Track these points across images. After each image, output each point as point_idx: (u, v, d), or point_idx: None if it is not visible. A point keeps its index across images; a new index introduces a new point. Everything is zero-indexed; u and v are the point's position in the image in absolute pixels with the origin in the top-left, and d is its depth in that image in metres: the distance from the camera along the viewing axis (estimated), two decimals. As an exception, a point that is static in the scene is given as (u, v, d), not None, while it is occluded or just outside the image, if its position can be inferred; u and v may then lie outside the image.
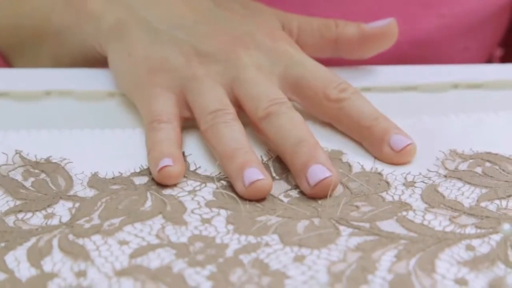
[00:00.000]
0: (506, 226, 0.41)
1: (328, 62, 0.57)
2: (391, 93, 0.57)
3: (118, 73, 0.56)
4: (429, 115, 0.54)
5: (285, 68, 0.54)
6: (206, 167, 0.49)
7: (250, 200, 0.46)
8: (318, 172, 0.46)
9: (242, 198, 0.46)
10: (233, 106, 0.52)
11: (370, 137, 0.50)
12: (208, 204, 0.46)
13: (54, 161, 0.50)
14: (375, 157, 0.50)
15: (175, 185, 0.48)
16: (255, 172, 0.46)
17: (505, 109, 0.54)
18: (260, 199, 0.46)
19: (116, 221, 0.44)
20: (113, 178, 0.48)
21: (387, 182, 0.48)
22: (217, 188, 0.47)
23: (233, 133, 0.49)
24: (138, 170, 0.49)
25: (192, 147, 0.51)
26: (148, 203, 0.46)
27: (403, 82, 0.58)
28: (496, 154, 0.50)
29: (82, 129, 0.53)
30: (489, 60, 0.74)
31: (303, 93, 0.53)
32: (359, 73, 0.59)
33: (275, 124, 0.50)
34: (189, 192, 0.47)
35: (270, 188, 0.46)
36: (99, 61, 0.59)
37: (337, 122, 0.52)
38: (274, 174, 0.49)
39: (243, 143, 0.49)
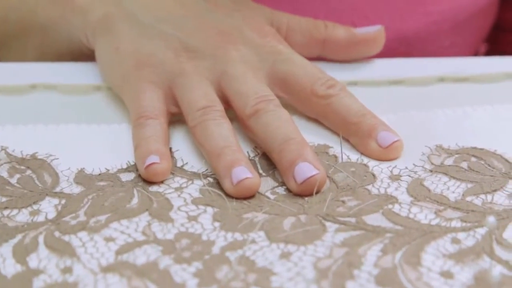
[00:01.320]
0: (491, 219, 0.41)
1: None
2: (378, 87, 0.57)
3: (105, 67, 0.56)
4: (416, 109, 0.54)
5: (273, 64, 0.54)
6: (193, 163, 0.49)
7: (237, 198, 0.46)
8: (305, 170, 0.46)
9: (229, 195, 0.46)
10: (221, 102, 0.52)
11: (357, 133, 0.50)
12: (195, 202, 0.46)
13: (40, 157, 0.49)
14: (362, 153, 0.50)
15: (162, 182, 0.47)
16: (243, 171, 0.46)
17: (491, 103, 0.55)
18: (247, 197, 0.46)
19: (102, 218, 0.44)
20: (99, 174, 0.48)
21: (373, 175, 0.48)
22: (203, 185, 0.47)
23: (221, 130, 0.49)
24: (125, 166, 0.49)
25: (180, 142, 0.51)
26: (135, 200, 0.46)
27: (390, 76, 0.58)
28: (482, 149, 0.50)
29: (68, 124, 0.53)
30: (475, 55, 0.74)
31: (291, 89, 0.53)
32: (345, 67, 0.59)
33: (262, 121, 0.50)
34: (176, 189, 0.47)
35: (258, 186, 0.46)
36: (85, 55, 0.58)
37: (325, 118, 0.52)
38: (261, 171, 0.49)
39: (231, 141, 0.49)
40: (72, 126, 0.52)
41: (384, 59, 0.60)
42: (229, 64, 0.53)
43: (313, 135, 0.51)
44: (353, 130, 0.50)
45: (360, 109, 0.51)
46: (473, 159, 0.49)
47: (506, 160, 0.49)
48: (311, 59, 0.55)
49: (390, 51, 0.63)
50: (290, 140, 0.48)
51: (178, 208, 0.45)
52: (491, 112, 0.54)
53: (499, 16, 0.74)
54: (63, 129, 0.52)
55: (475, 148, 0.50)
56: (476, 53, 0.74)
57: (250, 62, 0.53)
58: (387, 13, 0.65)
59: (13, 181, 0.47)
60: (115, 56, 0.55)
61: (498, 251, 0.41)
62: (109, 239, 0.42)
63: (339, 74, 0.55)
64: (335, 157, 0.50)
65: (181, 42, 0.54)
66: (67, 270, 0.40)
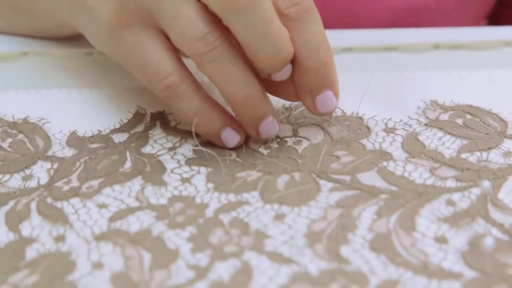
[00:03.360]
0: (486, 183, 0.41)
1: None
2: (372, 53, 0.56)
3: (90, 34, 0.48)
4: (410, 70, 0.54)
5: None
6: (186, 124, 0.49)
7: (230, 155, 0.45)
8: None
9: (222, 153, 0.45)
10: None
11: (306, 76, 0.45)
12: (188, 162, 0.45)
13: (32, 121, 0.49)
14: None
15: (155, 141, 0.47)
16: (271, 124, 0.45)
17: (487, 68, 0.54)
18: (241, 152, 0.46)
19: (95, 183, 0.44)
20: (92, 136, 0.48)
21: (368, 128, 0.48)
22: (196, 145, 0.47)
23: (238, 70, 0.43)
24: (118, 126, 0.48)
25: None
26: (128, 164, 0.45)
27: (384, 42, 0.57)
28: (477, 107, 0.50)
29: (60, 89, 0.52)
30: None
31: None
32: (340, 34, 0.58)
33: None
34: (169, 149, 0.46)
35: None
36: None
37: None
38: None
39: (253, 84, 0.44)
40: (63, 91, 0.52)
41: (379, 29, 0.59)
42: None
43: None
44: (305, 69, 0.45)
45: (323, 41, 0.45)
46: (468, 116, 0.49)
47: (501, 119, 0.48)
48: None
49: (398, 20, 0.61)
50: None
51: (171, 171, 0.45)
52: (486, 76, 0.53)
53: None
54: (54, 94, 0.51)
55: (470, 105, 0.50)
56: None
57: None
58: None
59: (5, 145, 0.47)
60: (91, 17, 0.46)
61: (493, 213, 0.41)
62: (102, 206, 0.42)
63: (334, 40, 0.54)
64: (330, 111, 0.49)
65: None
66: (60, 238, 0.40)
